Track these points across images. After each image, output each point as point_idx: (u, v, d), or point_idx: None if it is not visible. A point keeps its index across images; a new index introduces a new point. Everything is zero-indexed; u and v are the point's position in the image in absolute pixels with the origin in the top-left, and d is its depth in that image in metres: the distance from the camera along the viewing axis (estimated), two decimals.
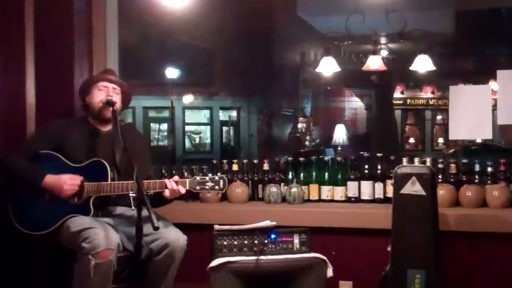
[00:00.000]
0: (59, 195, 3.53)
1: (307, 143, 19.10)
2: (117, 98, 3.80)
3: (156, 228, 3.04)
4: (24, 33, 4.34)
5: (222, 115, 25.01)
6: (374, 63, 7.10)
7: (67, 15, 4.46)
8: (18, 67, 4.33)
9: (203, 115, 25.18)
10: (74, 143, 3.75)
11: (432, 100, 24.80)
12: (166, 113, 23.76)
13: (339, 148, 16.81)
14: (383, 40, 9.33)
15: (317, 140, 20.18)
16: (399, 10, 7.39)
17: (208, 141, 25.50)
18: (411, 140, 26.10)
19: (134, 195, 3.24)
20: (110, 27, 4.80)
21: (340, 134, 17.67)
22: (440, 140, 23.93)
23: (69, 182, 3.53)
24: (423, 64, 6.81)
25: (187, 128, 24.94)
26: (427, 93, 24.55)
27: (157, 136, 24.94)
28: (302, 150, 18.84)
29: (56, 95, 4.41)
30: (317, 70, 7.47)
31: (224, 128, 25.24)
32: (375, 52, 7.36)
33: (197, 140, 25.61)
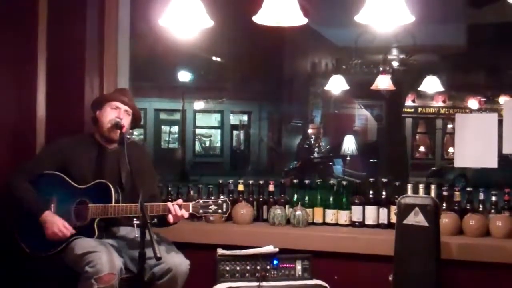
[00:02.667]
0: (46, 233, 3.58)
1: (315, 154, 19.13)
2: (127, 120, 3.84)
3: (158, 259, 3.07)
4: (37, 47, 4.38)
5: (233, 119, 25.07)
6: (383, 82, 7.09)
7: (80, 29, 4.48)
8: (29, 80, 4.37)
9: (214, 119, 25.25)
10: (81, 162, 3.79)
11: (443, 109, 24.77)
12: (177, 116, 23.86)
13: (348, 158, 16.85)
14: (394, 51, 9.34)
15: (327, 147, 20.23)
16: (409, 27, 7.37)
17: (218, 144, 25.55)
18: (421, 148, 26.07)
19: (138, 222, 3.26)
20: (122, 41, 4.81)
21: (349, 144, 17.69)
22: (451, 149, 23.88)
23: (59, 228, 3.57)
24: (431, 85, 6.84)
25: (197, 131, 25.02)
26: (438, 102, 24.52)
27: (167, 139, 25.03)
28: (312, 157, 18.94)
29: (66, 108, 4.44)
30: (326, 88, 7.50)
31: (235, 132, 25.29)
32: (385, 71, 7.36)
33: (207, 144, 25.67)
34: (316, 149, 19.88)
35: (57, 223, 3.57)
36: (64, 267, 3.58)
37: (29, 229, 3.67)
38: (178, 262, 3.54)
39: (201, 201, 3.67)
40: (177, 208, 3.56)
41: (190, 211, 3.61)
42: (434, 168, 20.32)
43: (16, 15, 4.36)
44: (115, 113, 3.80)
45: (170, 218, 3.57)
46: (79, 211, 3.63)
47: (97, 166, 3.81)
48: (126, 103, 3.86)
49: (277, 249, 3.86)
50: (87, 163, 3.80)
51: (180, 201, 3.65)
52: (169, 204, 3.60)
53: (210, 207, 3.64)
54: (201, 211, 3.64)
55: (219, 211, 3.65)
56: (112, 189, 3.64)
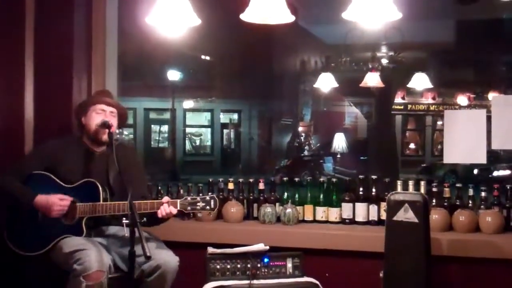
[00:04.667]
0: (49, 215, 3.56)
1: (306, 152, 19.17)
2: (113, 121, 3.82)
3: (148, 258, 3.06)
4: (24, 48, 4.36)
5: (223, 118, 25.07)
6: (372, 80, 7.09)
7: (67, 29, 4.46)
8: (17, 82, 4.35)
9: (204, 117, 25.23)
10: (69, 163, 3.78)
11: (433, 106, 24.86)
12: (167, 115, 23.82)
13: (338, 156, 16.90)
14: (383, 49, 9.36)
15: (317, 145, 20.28)
16: (397, 24, 7.39)
17: (209, 143, 25.53)
18: (412, 145, 26.14)
19: (127, 221, 3.25)
20: (110, 40, 4.79)
21: (339, 142, 17.71)
22: (440, 146, 23.92)
23: (58, 202, 3.56)
24: (420, 81, 6.86)
25: (188, 130, 24.98)
26: (428, 99, 24.60)
27: (157, 138, 24.99)
28: (302, 155, 18.98)
29: (54, 110, 4.43)
30: (316, 85, 7.51)
31: (225, 131, 25.28)
32: (374, 68, 7.37)
33: (198, 142, 25.64)
34: (307, 147, 19.92)
35: (52, 202, 3.56)
36: (52, 267, 3.57)
37: (18, 229, 3.67)
38: (167, 258, 3.54)
39: (188, 198, 3.67)
40: (165, 205, 3.56)
41: (178, 208, 3.62)
42: (424, 165, 20.39)
43: (2, 17, 4.33)
44: (101, 117, 3.79)
45: (159, 213, 3.57)
46: (67, 210, 3.60)
47: (85, 167, 3.80)
48: (111, 104, 3.85)
49: (267, 247, 3.85)
50: (75, 164, 3.79)
51: (167, 198, 3.67)
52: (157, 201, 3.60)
53: (198, 203, 3.64)
54: (189, 207, 3.64)
55: (207, 207, 3.66)
56: (100, 188, 3.63)
